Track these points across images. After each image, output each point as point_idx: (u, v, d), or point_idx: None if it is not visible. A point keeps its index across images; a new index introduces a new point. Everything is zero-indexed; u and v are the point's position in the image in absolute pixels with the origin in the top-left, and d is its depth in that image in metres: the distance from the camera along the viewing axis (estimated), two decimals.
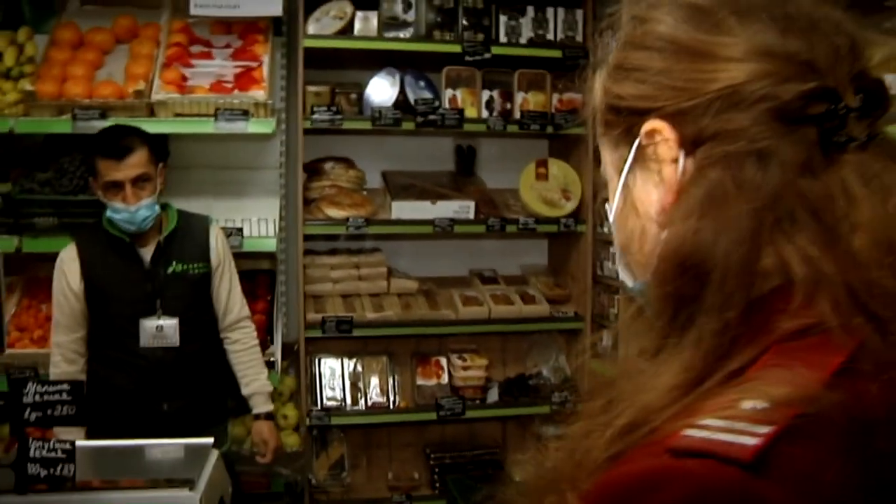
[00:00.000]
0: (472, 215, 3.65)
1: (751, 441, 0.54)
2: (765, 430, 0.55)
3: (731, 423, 0.56)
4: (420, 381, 3.70)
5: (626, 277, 0.83)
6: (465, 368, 3.69)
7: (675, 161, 0.72)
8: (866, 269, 0.63)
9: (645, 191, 0.76)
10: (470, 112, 3.64)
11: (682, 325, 0.67)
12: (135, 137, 2.66)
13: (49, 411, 1.86)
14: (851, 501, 0.55)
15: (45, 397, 1.86)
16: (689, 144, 0.71)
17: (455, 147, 4.01)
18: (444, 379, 3.72)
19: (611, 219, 0.83)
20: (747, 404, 0.57)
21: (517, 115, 3.70)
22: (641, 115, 0.74)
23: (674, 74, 0.72)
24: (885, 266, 0.63)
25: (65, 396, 1.87)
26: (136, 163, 2.62)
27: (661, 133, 0.72)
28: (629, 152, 0.76)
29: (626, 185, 0.78)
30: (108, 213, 2.67)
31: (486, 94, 3.72)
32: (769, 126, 0.67)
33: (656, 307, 0.71)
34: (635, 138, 0.75)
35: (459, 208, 3.64)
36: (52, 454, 1.82)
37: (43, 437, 1.90)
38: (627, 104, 0.75)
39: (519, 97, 3.73)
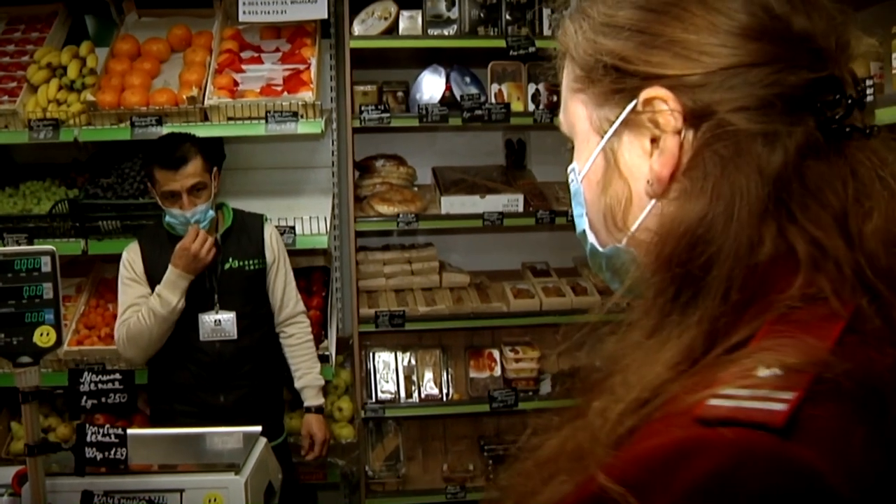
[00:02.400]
0: (520, 208, 3.67)
1: (778, 406, 0.54)
2: (789, 395, 0.55)
3: (754, 391, 0.56)
4: (473, 374, 3.74)
5: (593, 240, 0.81)
6: (517, 360, 3.71)
7: (678, 133, 0.70)
8: (875, 253, 0.64)
9: (633, 156, 0.74)
10: (516, 106, 3.66)
11: (685, 303, 0.67)
12: (189, 147, 2.74)
13: (103, 399, 1.97)
14: (877, 465, 0.55)
15: (100, 386, 1.97)
16: (693, 117, 0.69)
17: (505, 141, 4.04)
18: (497, 371, 3.74)
19: (578, 178, 0.80)
20: (763, 372, 0.58)
21: None
22: (644, 80, 0.71)
23: (685, 44, 0.69)
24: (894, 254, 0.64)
25: (117, 385, 1.97)
26: (192, 172, 2.71)
27: (666, 102, 0.70)
28: (617, 114, 0.74)
29: (608, 147, 0.76)
30: (167, 219, 2.80)
31: (531, 88, 3.73)
32: (775, 108, 0.67)
33: (658, 285, 0.69)
34: (629, 101, 0.72)
35: (508, 202, 3.67)
36: (107, 439, 1.92)
37: (101, 424, 2.00)
38: (632, 67, 0.72)
39: None
